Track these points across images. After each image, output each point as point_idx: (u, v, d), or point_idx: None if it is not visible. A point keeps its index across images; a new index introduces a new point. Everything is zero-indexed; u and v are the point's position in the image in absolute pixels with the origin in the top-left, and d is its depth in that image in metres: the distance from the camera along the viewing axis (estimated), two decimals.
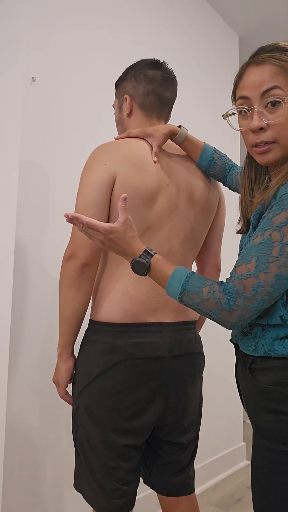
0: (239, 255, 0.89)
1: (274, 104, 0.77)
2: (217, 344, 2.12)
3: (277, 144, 0.79)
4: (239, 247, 0.91)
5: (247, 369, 0.84)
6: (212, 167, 1.16)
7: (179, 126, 1.13)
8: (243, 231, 0.91)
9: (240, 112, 0.83)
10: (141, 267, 0.84)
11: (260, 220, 0.78)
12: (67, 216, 0.85)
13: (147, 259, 0.84)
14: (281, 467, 0.77)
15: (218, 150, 1.18)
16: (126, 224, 0.85)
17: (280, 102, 0.77)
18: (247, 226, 0.89)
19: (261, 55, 0.79)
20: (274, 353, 0.78)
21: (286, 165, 0.80)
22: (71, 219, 0.86)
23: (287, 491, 0.76)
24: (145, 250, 0.85)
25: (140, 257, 0.85)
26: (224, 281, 0.78)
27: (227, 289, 0.75)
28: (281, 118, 0.77)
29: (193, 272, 0.82)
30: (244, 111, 0.81)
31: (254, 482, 0.82)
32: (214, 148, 1.17)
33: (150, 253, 0.85)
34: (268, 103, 0.78)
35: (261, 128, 0.79)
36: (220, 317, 0.77)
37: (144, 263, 0.84)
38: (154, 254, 0.85)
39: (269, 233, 0.72)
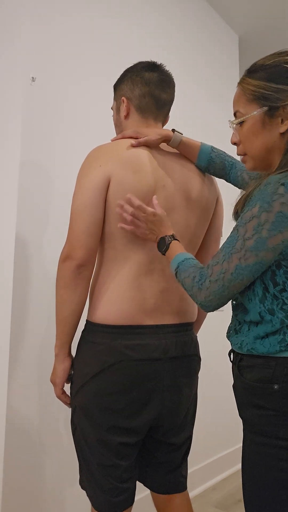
0: None
1: (241, 123, 0.91)
2: (215, 344, 2.11)
3: (247, 156, 0.93)
4: None
5: (236, 366, 0.91)
6: (212, 166, 1.17)
7: (173, 130, 1.13)
8: None
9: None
10: (163, 244, 1.00)
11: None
12: (119, 205, 1.01)
13: (169, 240, 1.00)
14: (265, 458, 0.83)
15: (216, 148, 1.18)
16: (166, 215, 1.04)
17: (243, 122, 0.90)
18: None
19: (242, 76, 0.92)
20: (255, 352, 0.86)
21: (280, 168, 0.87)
22: (122, 205, 1.00)
23: (271, 481, 0.83)
24: (172, 234, 1.01)
25: (166, 237, 1.01)
26: None
27: (202, 271, 0.88)
28: (242, 136, 0.92)
29: (194, 258, 0.95)
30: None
31: (243, 474, 0.90)
32: (211, 146, 1.17)
33: (173, 237, 1.01)
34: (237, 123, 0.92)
35: (236, 143, 0.94)
36: (191, 293, 0.89)
37: (166, 241, 1.00)
38: (176, 239, 1.01)
39: (237, 228, 0.83)
